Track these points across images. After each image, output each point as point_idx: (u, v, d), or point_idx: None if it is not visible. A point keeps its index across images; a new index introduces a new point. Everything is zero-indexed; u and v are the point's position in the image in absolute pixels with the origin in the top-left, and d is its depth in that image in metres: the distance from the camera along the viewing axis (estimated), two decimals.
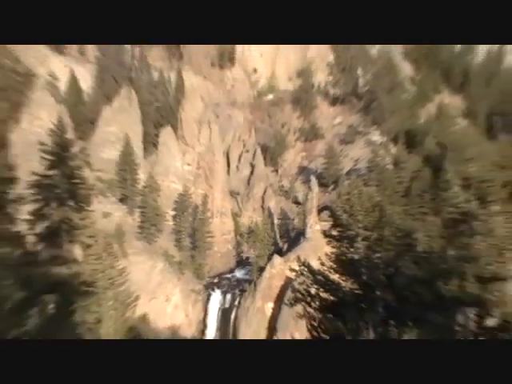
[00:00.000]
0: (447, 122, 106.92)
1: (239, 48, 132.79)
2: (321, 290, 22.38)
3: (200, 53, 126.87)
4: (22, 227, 28.65)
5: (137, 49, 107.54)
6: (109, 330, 36.33)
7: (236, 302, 71.61)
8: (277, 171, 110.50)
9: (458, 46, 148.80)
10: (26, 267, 23.43)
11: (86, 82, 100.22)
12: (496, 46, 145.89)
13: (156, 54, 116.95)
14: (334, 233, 23.46)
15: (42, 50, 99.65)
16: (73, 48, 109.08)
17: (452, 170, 68.78)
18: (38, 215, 29.68)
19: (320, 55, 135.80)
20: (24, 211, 29.14)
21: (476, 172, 66.01)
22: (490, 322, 17.94)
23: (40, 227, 29.49)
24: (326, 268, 22.87)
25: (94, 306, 33.43)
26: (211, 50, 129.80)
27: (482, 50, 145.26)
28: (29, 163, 32.43)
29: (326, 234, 24.44)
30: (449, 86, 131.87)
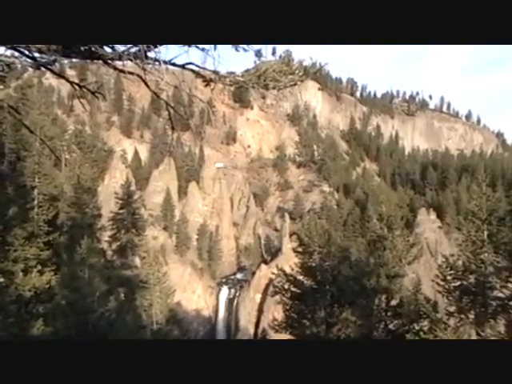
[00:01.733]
0: (368, 179, 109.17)
1: (239, 132, 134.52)
2: (291, 286, 22.22)
3: (214, 135, 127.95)
4: (104, 245, 28.91)
5: (175, 134, 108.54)
6: (156, 311, 35.98)
7: (237, 294, 70.89)
8: (263, 210, 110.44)
9: (372, 132, 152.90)
10: (107, 270, 23.62)
11: (143, 154, 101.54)
12: (393, 136, 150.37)
13: (187, 137, 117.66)
14: (300, 249, 23.24)
15: (118, 135, 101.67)
16: (136, 134, 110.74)
17: (372, 209, 69.97)
18: (113, 238, 29.98)
19: (290, 136, 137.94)
20: (105, 235, 29.46)
21: (385, 210, 67.28)
22: (393, 302, 18.29)
23: (115, 245, 29.74)
24: (294, 272, 22.69)
25: (148, 295, 33.21)
26: (221, 133, 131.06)
27: (386, 137, 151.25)
28: (108, 205, 32.83)
29: (294, 250, 24.44)
30: (368, 157, 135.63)
